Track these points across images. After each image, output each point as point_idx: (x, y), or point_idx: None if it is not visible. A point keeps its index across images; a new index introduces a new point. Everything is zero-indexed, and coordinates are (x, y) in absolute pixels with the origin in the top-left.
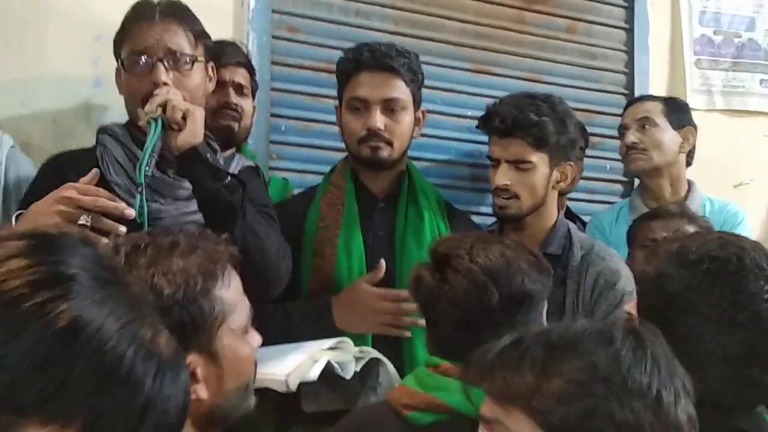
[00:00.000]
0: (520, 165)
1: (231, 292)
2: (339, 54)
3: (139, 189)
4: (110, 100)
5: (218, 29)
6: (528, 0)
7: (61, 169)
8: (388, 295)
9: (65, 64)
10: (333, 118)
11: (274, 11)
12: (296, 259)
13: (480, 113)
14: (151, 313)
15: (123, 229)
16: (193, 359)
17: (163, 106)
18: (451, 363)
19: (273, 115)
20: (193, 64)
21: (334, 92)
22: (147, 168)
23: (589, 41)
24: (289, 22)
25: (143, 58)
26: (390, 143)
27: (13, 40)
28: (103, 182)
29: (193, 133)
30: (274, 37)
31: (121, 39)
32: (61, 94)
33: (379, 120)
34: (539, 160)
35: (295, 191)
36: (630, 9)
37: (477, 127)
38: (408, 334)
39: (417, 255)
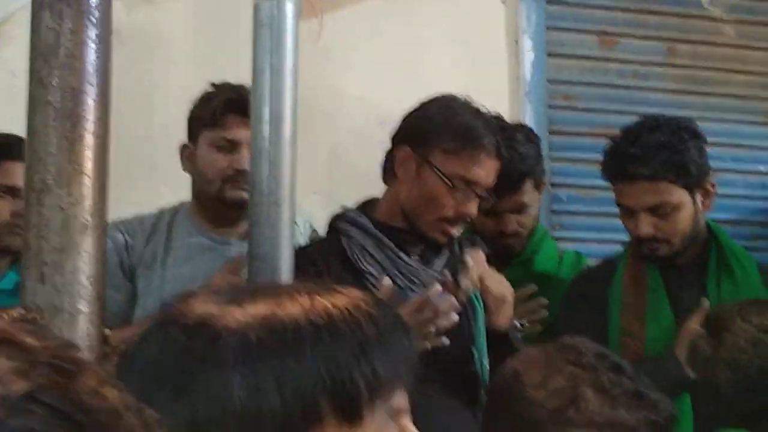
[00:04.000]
0: None
1: None
2: (617, 117)
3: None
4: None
5: (495, 102)
6: None
7: (313, 262)
8: None
9: (353, 151)
10: None
11: (549, 81)
12: (603, 337)
13: None
14: None
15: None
16: None
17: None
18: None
19: (554, 185)
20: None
21: None
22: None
23: None
24: (564, 91)
25: (469, 188)
26: (668, 240)
27: (306, 129)
28: (353, 272)
29: (505, 317)
30: (550, 107)
31: (453, 150)
32: (351, 181)
33: (645, 228)
34: None
35: (569, 255)
36: None
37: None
38: None
39: None
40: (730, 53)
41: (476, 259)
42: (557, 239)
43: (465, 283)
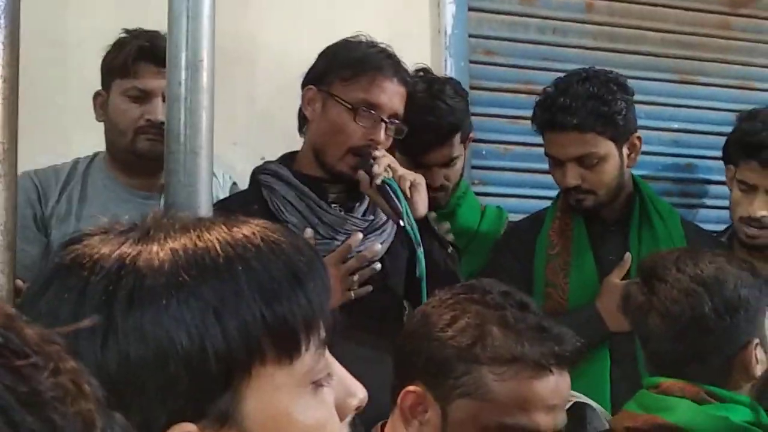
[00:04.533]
0: None
1: None
2: (537, 74)
3: (419, 248)
4: None
5: (416, 56)
6: (733, 4)
7: (233, 214)
8: None
9: (273, 103)
10: (533, 139)
11: (470, 36)
12: (527, 287)
13: (686, 125)
14: None
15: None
16: None
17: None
18: (672, 380)
19: (474, 140)
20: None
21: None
22: (412, 228)
23: None
24: (485, 46)
25: (372, 112)
26: (594, 191)
27: (225, 79)
28: (275, 222)
29: (423, 203)
30: (471, 61)
31: (352, 76)
32: (269, 132)
33: (571, 177)
34: None
35: (491, 210)
36: None
37: (731, 151)
38: None
39: None
40: (647, 10)
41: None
42: (477, 194)
43: (376, 170)
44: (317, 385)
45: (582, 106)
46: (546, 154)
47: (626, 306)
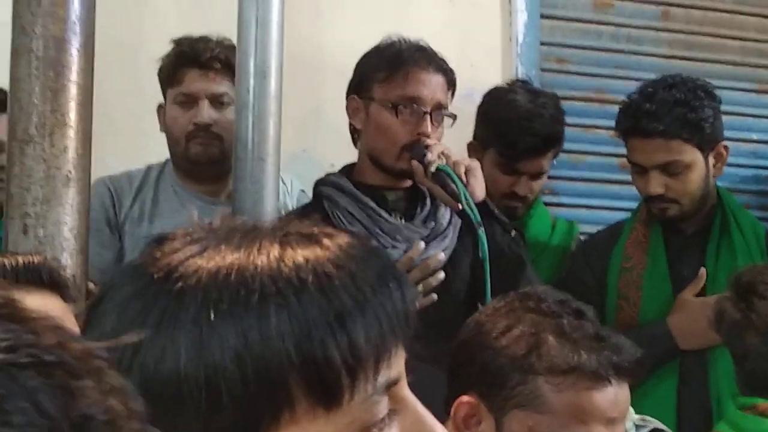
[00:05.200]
0: None
1: None
2: (610, 82)
3: (480, 228)
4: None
5: (487, 64)
6: None
7: None
8: None
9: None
10: (606, 149)
11: (542, 43)
12: (601, 301)
13: (766, 136)
14: None
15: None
16: None
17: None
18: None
19: None
20: (443, 120)
21: (606, 122)
22: (471, 210)
23: None
24: (557, 54)
25: (414, 106)
26: (678, 201)
27: (293, 86)
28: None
29: (481, 187)
30: (543, 69)
31: (387, 76)
32: (337, 140)
33: (655, 186)
34: None
35: (562, 223)
36: None
37: None
38: None
39: None
40: (725, 18)
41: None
42: (548, 204)
43: (430, 158)
44: (380, 424)
45: (668, 112)
46: (629, 161)
47: (719, 322)
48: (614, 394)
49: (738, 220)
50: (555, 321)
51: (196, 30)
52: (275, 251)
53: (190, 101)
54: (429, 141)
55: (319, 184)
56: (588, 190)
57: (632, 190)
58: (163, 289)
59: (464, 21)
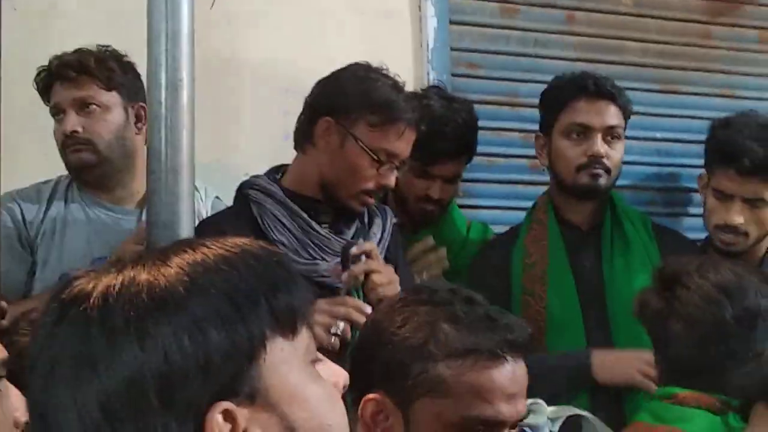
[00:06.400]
0: (756, 203)
1: None
2: (520, 86)
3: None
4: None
5: (398, 69)
6: (713, 13)
7: (222, 230)
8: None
9: (257, 119)
10: (517, 151)
11: (452, 49)
12: (506, 300)
13: (669, 134)
14: None
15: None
16: None
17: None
18: (687, 391)
19: None
20: None
21: (517, 125)
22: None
23: None
24: (468, 59)
25: (392, 161)
26: (609, 171)
27: (208, 96)
28: (264, 241)
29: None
30: (453, 74)
31: (379, 123)
32: (253, 148)
33: (601, 146)
34: None
35: (476, 226)
36: None
37: (706, 159)
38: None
39: (626, 280)
40: (627, 20)
41: (369, 251)
42: (461, 206)
43: (345, 277)
44: (314, 363)
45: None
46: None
47: (643, 312)
48: (512, 371)
49: (626, 212)
50: (448, 308)
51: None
52: (219, 243)
53: (60, 113)
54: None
55: (246, 187)
56: (501, 192)
57: (542, 190)
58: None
59: (375, 29)
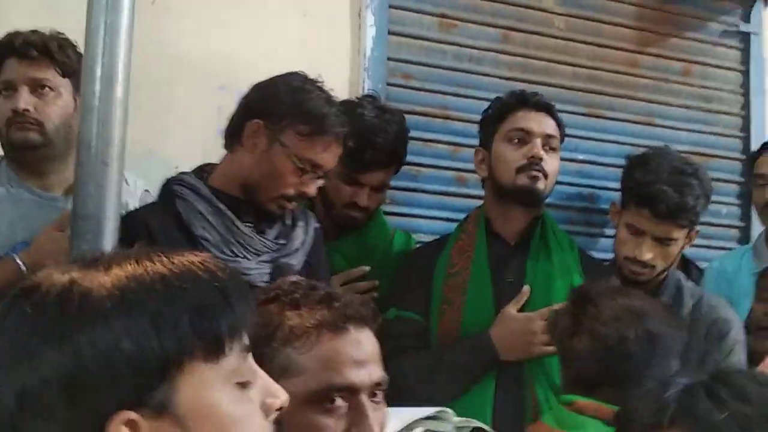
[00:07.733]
0: (666, 241)
1: None
2: (451, 100)
3: None
4: None
5: (335, 75)
6: (641, 43)
7: (146, 224)
8: (543, 315)
9: (191, 113)
10: (446, 163)
11: (389, 59)
12: (426, 306)
13: (591, 157)
14: None
15: None
16: None
17: None
18: (587, 400)
19: None
20: None
21: (447, 137)
22: None
23: (703, 84)
24: (403, 69)
25: (315, 172)
26: (546, 176)
27: (142, 88)
28: (188, 236)
29: None
30: (389, 83)
31: (308, 134)
32: (186, 143)
33: (541, 150)
34: (682, 235)
35: (400, 235)
36: (745, 51)
37: (623, 194)
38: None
39: (545, 298)
40: (559, 44)
41: None
42: (387, 214)
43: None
44: (243, 385)
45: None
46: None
47: (553, 328)
48: (356, 339)
49: (555, 232)
50: (290, 298)
51: None
52: (162, 259)
53: (10, 89)
54: None
55: (172, 183)
56: (426, 202)
57: (467, 202)
58: (71, 297)
59: (316, 33)
